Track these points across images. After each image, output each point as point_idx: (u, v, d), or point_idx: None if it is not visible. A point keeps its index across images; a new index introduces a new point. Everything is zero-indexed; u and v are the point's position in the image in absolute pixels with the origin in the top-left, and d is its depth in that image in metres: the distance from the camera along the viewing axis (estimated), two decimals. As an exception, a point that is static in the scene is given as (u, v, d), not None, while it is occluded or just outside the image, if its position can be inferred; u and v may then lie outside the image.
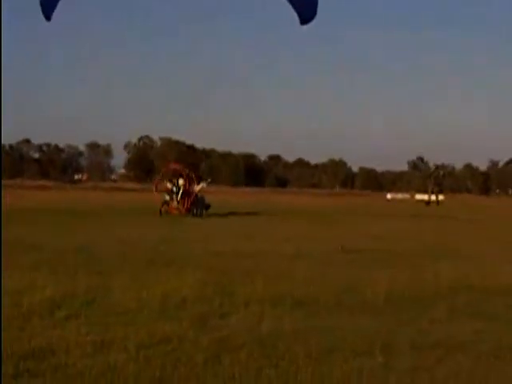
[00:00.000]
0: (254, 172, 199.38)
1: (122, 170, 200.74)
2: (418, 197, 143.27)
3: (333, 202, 73.55)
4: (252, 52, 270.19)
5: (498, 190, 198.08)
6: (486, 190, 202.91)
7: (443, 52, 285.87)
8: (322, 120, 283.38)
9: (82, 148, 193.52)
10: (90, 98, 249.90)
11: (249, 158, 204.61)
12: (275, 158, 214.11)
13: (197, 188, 43.69)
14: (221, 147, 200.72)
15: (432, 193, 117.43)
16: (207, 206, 43.65)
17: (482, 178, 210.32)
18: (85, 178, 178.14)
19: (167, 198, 43.11)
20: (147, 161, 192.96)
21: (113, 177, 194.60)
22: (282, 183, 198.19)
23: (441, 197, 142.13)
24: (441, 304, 10.97)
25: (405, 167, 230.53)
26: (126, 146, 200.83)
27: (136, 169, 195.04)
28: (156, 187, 46.32)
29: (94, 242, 19.86)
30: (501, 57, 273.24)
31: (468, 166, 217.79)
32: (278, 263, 16.16)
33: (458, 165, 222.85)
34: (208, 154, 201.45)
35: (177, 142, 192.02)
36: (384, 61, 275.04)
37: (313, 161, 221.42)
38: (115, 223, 29.51)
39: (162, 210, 41.38)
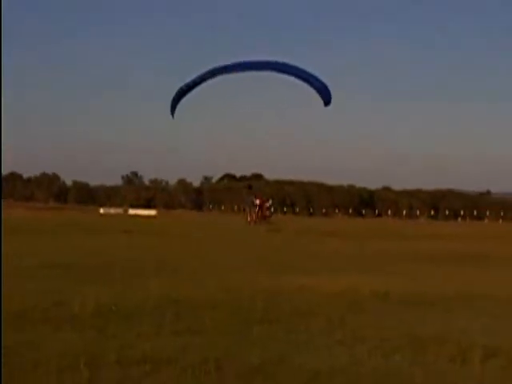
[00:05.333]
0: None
1: None
2: (132, 211, 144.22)
3: (46, 215, 72.09)
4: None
5: (211, 206, 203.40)
6: (199, 206, 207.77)
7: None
8: (36, 133, 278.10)
9: None
10: None
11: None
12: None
13: (267, 205, 69.13)
14: None
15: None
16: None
17: (195, 194, 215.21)
18: None
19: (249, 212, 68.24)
20: None
21: None
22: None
23: (152, 212, 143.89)
24: (148, 319, 11.03)
25: (119, 181, 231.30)
26: None
27: None
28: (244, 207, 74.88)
29: None
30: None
31: (182, 182, 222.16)
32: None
33: (172, 180, 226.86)
34: None
35: None
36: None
37: (26, 174, 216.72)
38: None
39: (249, 219, 65.18)
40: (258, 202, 65.93)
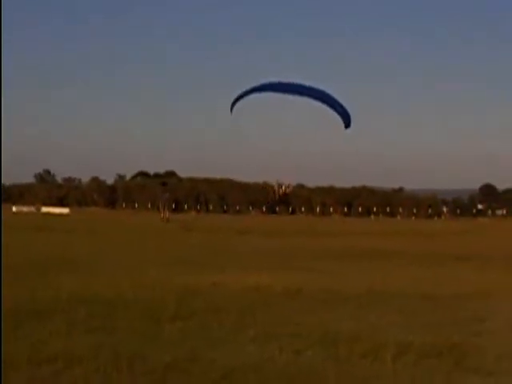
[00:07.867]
0: None
1: None
2: (44, 210, 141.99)
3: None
4: None
5: (124, 204, 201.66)
6: (112, 204, 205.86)
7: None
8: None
9: None
10: None
11: None
12: None
13: (288, 190, 62.38)
14: None
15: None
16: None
17: (108, 192, 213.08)
18: None
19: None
20: None
21: None
22: None
23: (65, 210, 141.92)
24: (60, 317, 10.90)
25: (32, 179, 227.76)
26: None
27: None
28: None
29: None
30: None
31: (95, 179, 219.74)
32: None
33: (85, 178, 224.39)
34: None
35: None
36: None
37: None
38: None
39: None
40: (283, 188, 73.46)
